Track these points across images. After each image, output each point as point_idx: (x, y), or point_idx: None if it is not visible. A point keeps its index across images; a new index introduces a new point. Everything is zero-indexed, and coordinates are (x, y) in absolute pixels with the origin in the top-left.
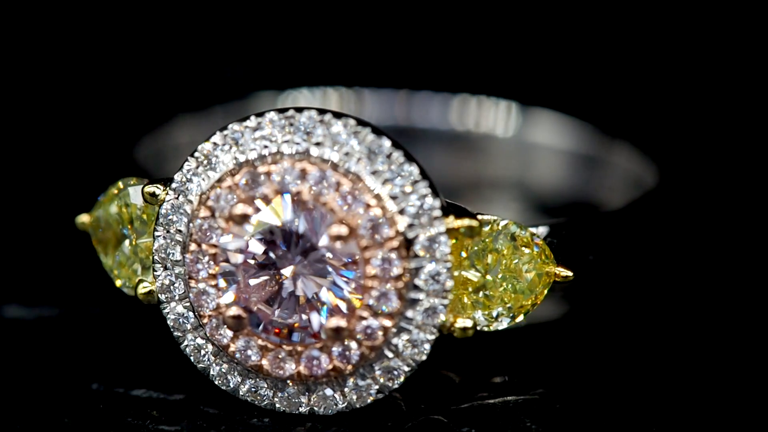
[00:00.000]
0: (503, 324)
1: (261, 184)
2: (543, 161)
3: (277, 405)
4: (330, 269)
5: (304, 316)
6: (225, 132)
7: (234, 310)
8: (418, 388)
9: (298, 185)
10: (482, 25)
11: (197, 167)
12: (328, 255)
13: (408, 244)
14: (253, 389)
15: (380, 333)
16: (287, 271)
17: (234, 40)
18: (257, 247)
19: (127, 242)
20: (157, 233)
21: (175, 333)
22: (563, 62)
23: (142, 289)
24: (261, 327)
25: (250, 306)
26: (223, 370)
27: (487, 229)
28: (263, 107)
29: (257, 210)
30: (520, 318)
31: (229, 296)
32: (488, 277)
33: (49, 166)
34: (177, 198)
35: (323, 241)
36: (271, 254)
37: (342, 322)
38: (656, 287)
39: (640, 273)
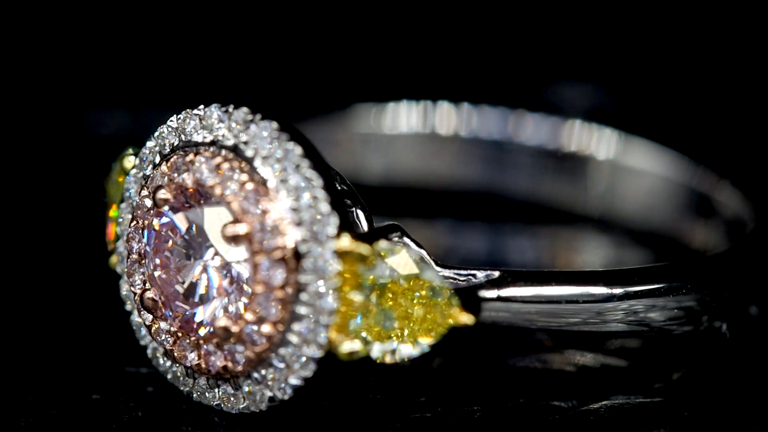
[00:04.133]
0: (397, 356)
1: (183, 173)
2: (638, 189)
3: (194, 394)
4: (226, 268)
5: (201, 310)
6: (180, 116)
7: (150, 293)
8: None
9: (212, 179)
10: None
11: (154, 146)
12: (223, 254)
13: (297, 257)
14: (175, 374)
15: (264, 340)
16: (194, 263)
17: (339, 50)
18: (174, 234)
19: (113, 209)
20: (122, 204)
21: (126, 306)
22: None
23: (112, 258)
24: (170, 313)
25: (163, 291)
26: (155, 350)
27: (391, 258)
28: (363, 118)
29: (175, 197)
30: (415, 353)
31: (147, 279)
32: (381, 306)
33: None
34: (138, 173)
35: (219, 239)
36: (187, 243)
37: (229, 323)
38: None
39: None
